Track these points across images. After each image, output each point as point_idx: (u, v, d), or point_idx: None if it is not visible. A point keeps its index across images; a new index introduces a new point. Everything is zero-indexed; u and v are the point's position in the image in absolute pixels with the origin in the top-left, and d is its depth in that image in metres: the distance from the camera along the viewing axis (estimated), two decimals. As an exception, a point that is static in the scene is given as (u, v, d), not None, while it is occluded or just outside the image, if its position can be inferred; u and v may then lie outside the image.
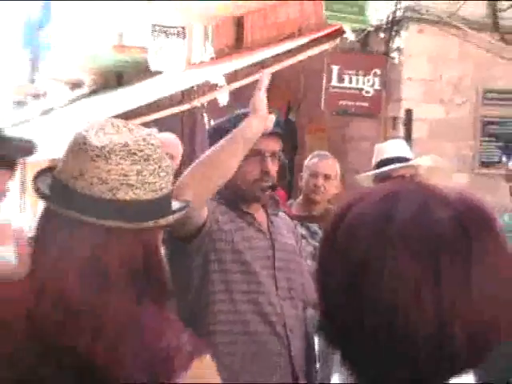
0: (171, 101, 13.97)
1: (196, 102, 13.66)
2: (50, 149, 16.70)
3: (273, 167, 3.94)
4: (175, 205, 2.28)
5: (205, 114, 14.73)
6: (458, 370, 1.45)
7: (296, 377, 3.88)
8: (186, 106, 13.54)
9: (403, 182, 1.60)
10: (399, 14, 11.75)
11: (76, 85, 22.79)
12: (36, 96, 26.78)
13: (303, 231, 5.72)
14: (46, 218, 2.23)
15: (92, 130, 2.17)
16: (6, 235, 6.67)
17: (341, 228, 1.50)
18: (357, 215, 1.49)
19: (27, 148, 3.99)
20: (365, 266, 1.43)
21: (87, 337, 2.04)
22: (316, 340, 4.21)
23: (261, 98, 3.55)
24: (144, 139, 2.16)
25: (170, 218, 2.24)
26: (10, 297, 2.21)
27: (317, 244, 5.76)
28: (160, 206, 2.19)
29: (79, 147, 2.13)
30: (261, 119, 3.53)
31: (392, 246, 1.42)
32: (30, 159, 19.70)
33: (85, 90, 22.05)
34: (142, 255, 2.15)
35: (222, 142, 3.50)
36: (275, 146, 3.98)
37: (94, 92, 21.13)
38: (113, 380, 2.07)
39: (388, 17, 11.78)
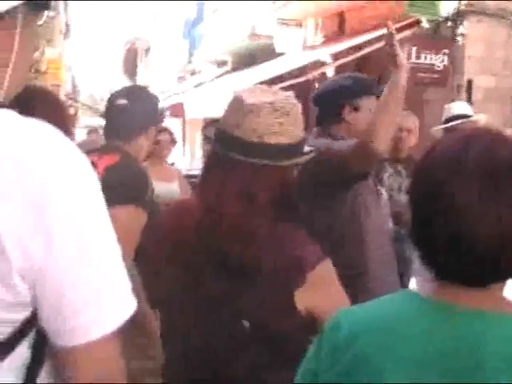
0: (290, 74, 13.95)
1: (309, 75, 13.57)
2: (203, 110, 16.96)
3: None
4: (305, 148, 2.27)
5: (316, 85, 14.74)
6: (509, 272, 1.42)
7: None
8: (301, 79, 13.47)
9: (475, 128, 1.54)
10: (462, 8, 11.70)
11: (221, 64, 22.92)
12: (192, 73, 27.05)
13: (391, 170, 5.60)
14: (211, 158, 2.28)
15: (246, 92, 2.21)
16: (172, 175, 6.83)
17: (426, 160, 1.47)
18: (438, 151, 1.46)
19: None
20: (441, 191, 1.39)
21: (239, 244, 2.08)
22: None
23: (400, 52, 3.16)
24: (285, 99, 2.17)
25: (302, 159, 2.23)
26: (183, 214, 2.29)
27: (402, 180, 5.69)
28: (295, 149, 2.19)
29: (236, 105, 2.17)
30: (404, 70, 3.16)
31: (465, 172, 1.38)
32: (189, 117, 19.81)
33: (227, 68, 22.14)
34: (280, 187, 2.16)
35: (385, 98, 3.16)
36: None
37: (234, 69, 21.21)
38: (255, 280, 2.10)
39: (454, 10, 11.73)
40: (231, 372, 2.16)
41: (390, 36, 3.18)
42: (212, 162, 2.27)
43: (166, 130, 7.40)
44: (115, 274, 1.32)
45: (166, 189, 6.09)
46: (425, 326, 1.40)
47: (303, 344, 2.09)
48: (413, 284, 5.58)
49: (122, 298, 1.32)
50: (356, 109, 3.55)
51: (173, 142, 7.35)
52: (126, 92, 3.49)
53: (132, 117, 3.35)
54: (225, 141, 2.18)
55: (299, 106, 2.23)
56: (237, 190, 2.12)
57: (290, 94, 2.25)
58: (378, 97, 3.50)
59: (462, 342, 1.35)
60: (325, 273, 2.15)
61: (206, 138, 2.34)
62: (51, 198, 1.22)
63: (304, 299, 2.11)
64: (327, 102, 3.60)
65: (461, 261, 1.38)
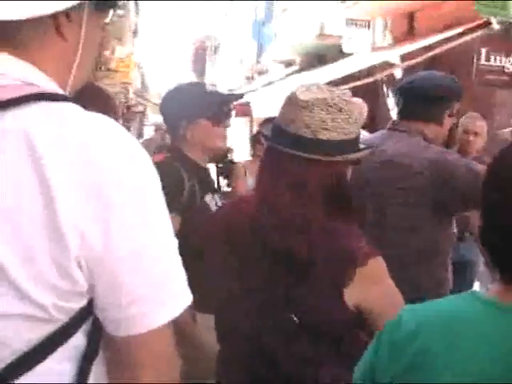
0: (358, 75, 13.85)
1: (378, 76, 13.47)
2: (270, 110, 16.96)
3: None
4: (361, 146, 2.29)
5: (384, 86, 14.65)
6: None
7: None
8: (370, 79, 13.38)
9: None
10: None
11: (289, 64, 22.90)
12: (261, 73, 27.08)
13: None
14: (267, 154, 2.33)
15: (301, 88, 2.24)
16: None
17: (504, 165, 1.45)
18: None
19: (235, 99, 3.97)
20: None
21: (292, 237, 2.13)
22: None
23: None
24: (339, 96, 2.20)
25: (356, 155, 2.26)
26: (241, 207, 2.38)
27: None
28: (348, 145, 2.21)
29: (291, 101, 2.21)
30: None
31: None
32: (256, 116, 19.86)
33: (296, 67, 22.10)
34: (333, 182, 2.20)
35: None
36: None
37: (302, 69, 21.16)
38: (307, 272, 2.14)
39: None
40: (284, 367, 2.19)
41: None
42: (268, 157, 2.32)
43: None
44: (172, 266, 1.34)
45: None
46: (488, 327, 1.39)
47: (353, 340, 2.22)
48: (476, 287, 5.54)
49: (178, 289, 1.35)
50: (451, 114, 3.41)
51: None
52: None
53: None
54: (280, 136, 2.23)
55: (355, 103, 2.26)
56: (290, 182, 2.17)
57: (347, 91, 2.27)
58: None
59: None
60: (377, 269, 2.17)
61: (262, 135, 2.38)
62: (112, 186, 1.25)
63: (355, 295, 2.13)
64: (431, 98, 3.36)
65: None
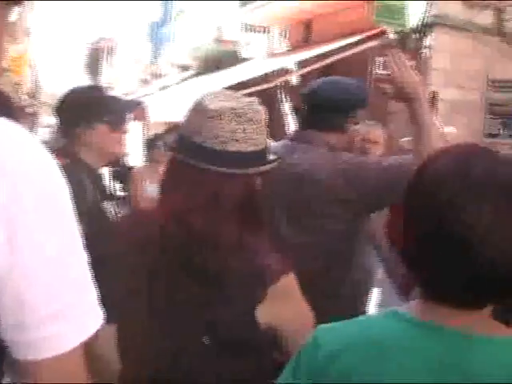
0: (255, 81, 13.91)
1: (274, 83, 13.55)
2: (166, 114, 16.84)
3: None
4: (270, 157, 2.19)
5: (280, 92, 14.75)
6: None
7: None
8: (266, 85, 13.42)
9: (475, 145, 1.48)
10: (429, 20, 11.79)
11: (186, 68, 22.86)
12: (156, 76, 26.93)
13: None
14: (172, 165, 2.19)
15: (208, 96, 2.12)
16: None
17: (427, 177, 1.43)
18: (441, 165, 1.43)
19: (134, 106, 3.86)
20: (447, 208, 1.36)
21: (205, 253, 2.03)
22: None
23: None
24: (248, 105, 2.10)
25: (267, 167, 2.15)
26: (146, 222, 2.22)
27: None
28: (259, 156, 2.12)
29: (198, 109, 2.09)
30: (419, 84, 2.94)
31: (472, 190, 1.36)
32: (151, 120, 19.80)
33: (192, 71, 22.06)
34: (244, 195, 2.10)
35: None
36: None
37: (198, 74, 21.13)
38: (220, 289, 2.06)
39: (420, 22, 11.79)
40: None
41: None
42: (173, 168, 2.19)
43: (162, 136, 7.86)
44: (82, 284, 1.24)
45: None
46: (412, 346, 1.39)
47: (267, 357, 2.18)
48: (375, 294, 5.53)
49: (90, 309, 1.25)
50: (355, 122, 3.21)
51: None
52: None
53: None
54: (186, 147, 2.11)
55: (263, 113, 2.15)
56: (203, 198, 2.06)
57: (254, 99, 2.17)
58: None
59: (449, 363, 1.36)
60: (288, 286, 2.10)
61: (166, 145, 2.26)
62: (18, 196, 1.14)
63: (267, 312, 2.06)
64: (334, 106, 3.17)
65: (471, 286, 1.36)
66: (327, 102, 3.18)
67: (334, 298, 2.99)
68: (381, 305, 5.24)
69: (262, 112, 2.14)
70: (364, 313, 3.41)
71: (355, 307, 3.23)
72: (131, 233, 2.24)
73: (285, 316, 2.11)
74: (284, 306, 2.10)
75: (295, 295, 2.15)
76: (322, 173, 3.06)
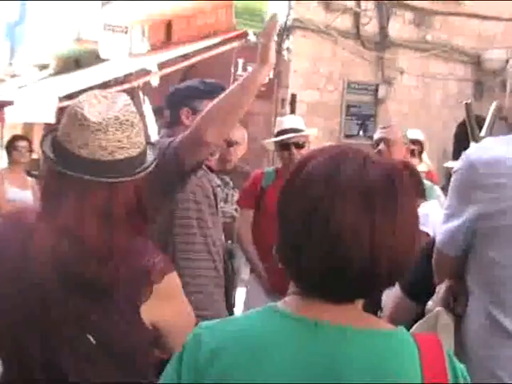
0: (116, 81, 13.73)
1: (134, 83, 13.40)
2: (23, 114, 16.36)
3: None
4: (150, 155, 2.24)
5: (140, 93, 14.59)
6: (382, 285, 1.48)
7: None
8: (126, 86, 13.25)
9: (347, 145, 1.46)
10: (289, 23, 11.96)
11: (43, 67, 22.32)
12: (13, 75, 26.19)
13: (219, 181, 5.47)
14: (52, 176, 2.16)
15: (86, 106, 2.10)
16: (26, 182, 6.86)
17: (299, 177, 1.46)
18: (312, 168, 1.45)
19: None
20: (317, 207, 1.40)
21: (98, 265, 2.03)
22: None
23: (270, 47, 2.89)
24: (127, 109, 2.12)
25: (152, 166, 2.20)
26: (27, 236, 2.13)
27: (229, 191, 5.68)
28: (143, 158, 2.17)
29: (80, 122, 2.07)
30: (269, 67, 2.93)
31: (339, 194, 1.40)
32: (9, 122, 19.21)
33: (50, 71, 21.55)
34: (135, 199, 2.14)
35: (235, 87, 2.95)
36: None
37: (57, 73, 20.66)
38: (110, 295, 2.05)
39: (280, 25, 11.79)
40: None
41: (270, 28, 2.92)
42: (56, 182, 2.14)
43: (23, 137, 8.06)
44: None
45: (20, 195, 6.64)
46: (289, 342, 1.42)
47: (150, 358, 2.20)
48: (242, 295, 5.51)
49: None
50: (195, 112, 3.34)
51: (31, 149, 7.79)
52: None
53: None
54: (70, 161, 2.08)
55: (136, 111, 2.17)
56: (95, 210, 2.06)
57: (127, 98, 2.18)
58: None
59: (326, 357, 1.39)
60: (171, 285, 2.15)
61: (46, 156, 2.16)
62: None
63: (150, 312, 2.09)
64: (169, 105, 3.53)
65: (333, 279, 1.40)
66: (165, 102, 3.58)
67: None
68: (248, 304, 5.22)
69: (135, 111, 2.15)
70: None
71: None
72: (11, 251, 2.15)
73: (167, 315, 2.14)
74: (167, 305, 2.13)
75: (178, 294, 2.20)
76: None
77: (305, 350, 1.41)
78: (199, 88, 3.46)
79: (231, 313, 3.69)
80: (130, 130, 2.10)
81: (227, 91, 2.98)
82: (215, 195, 3.62)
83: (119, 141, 2.07)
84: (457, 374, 1.44)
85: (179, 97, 3.49)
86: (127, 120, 2.10)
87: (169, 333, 2.18)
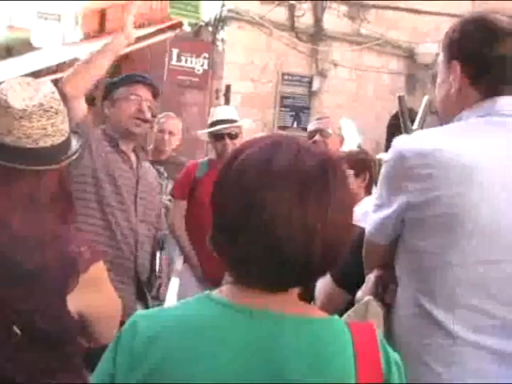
0: (48, 70, 13.51)
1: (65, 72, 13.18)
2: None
3: (146, 110, 3.70)
4: (74, 142, 2.26)
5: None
6: (315, 274, 1.50)
7: (138, 278, 3.68)
8: (59, 75, 13.02)
9: (282, 135, 1.47)
10: (224, 14, 11.96)
11: (-26, 55, 21.86)
12: None
13: (154, 171, 5.46)
14: None
15: (10, 93, 2.10)
16: None
17: (233, 167, 1.47)
18: (246, 158, 1.46)
19: None
20: (251, 197, 1.41)
21: (26, 253, 2.03)
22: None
23: (130, 20, 3.60)
24: (52, 97, 2.13)
25: (77, 152, 2.23)
26: None
27: (163, 182, 5.66)
28: (67, 144, 2.18)
29: (4, 110, 2.07)
30: (126, 34, 3.56)
31: (272, 184, 1.40)
32: None
33: (-19, 59, 21.12)
34: (61, 186, 2.17)
35: (96, 52, 3.48)
36: (148, 94, 3.78)
37: (-12, 61, 20.26)
38: (37, 282, 2.05)
39: (216, 15, 11.95)
40: (10, 379, 2.09)
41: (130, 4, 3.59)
42: None
43: None
44: None
45: None
46: (225, 328, 1.44)
47: (78, 346, 2.23)
48: (174, 284, 5.49)
49: None
50: (113, 103, 3.76)
51: None
52: None
53: None
54: None
55: (61, 100, 2.21)
56: (20, 198, 2.08)
57: (51, 86, 2.19)
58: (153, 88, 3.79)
59: (262, 345, 1.41)
60: (98, 274, 2.16)
61: None
62: None
63: (76, 301, 2.10)
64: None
65: (268, 268, 1.42)
66: None
67: None
68: (180, 294, 5.21)
69: (59, 99, 2.17)
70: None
71: None
72: None
73: (94, 304, 2.16)
74: (94, 294, 2.15)
75: (104, 284, 2.22)
76: None
77: (240, 337, 1.42)
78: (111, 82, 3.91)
79: (147, 306, 3.68)
80: (55, 118, 2.10)
81: (91, 54, 3.47)
82: (137, 182, 3.73)
83: (44, 128, 2.07)
84: (390, 362, 1.47)
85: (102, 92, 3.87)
86: (51, 107, 2.10)
87: (95, 322, 2.19)
